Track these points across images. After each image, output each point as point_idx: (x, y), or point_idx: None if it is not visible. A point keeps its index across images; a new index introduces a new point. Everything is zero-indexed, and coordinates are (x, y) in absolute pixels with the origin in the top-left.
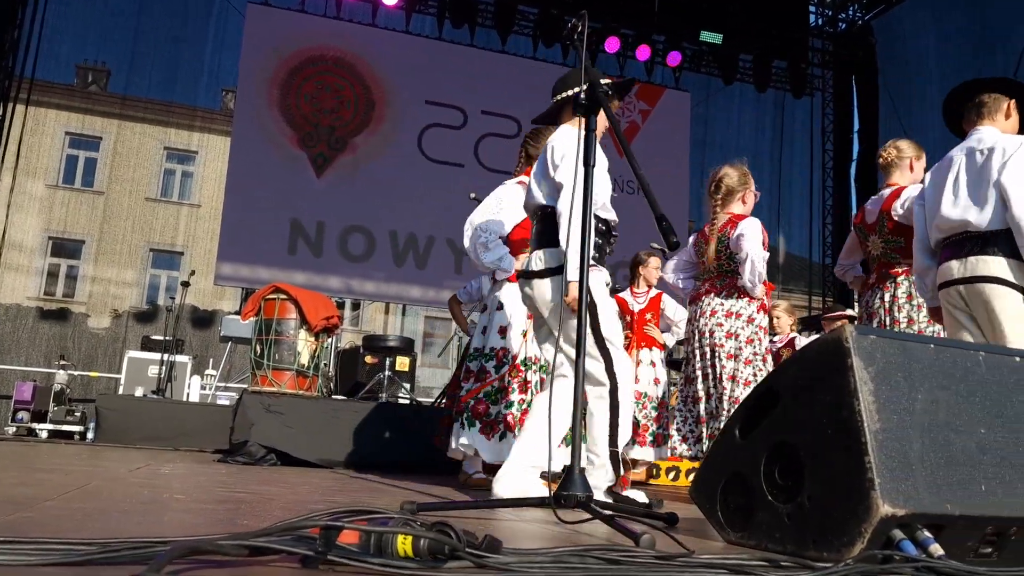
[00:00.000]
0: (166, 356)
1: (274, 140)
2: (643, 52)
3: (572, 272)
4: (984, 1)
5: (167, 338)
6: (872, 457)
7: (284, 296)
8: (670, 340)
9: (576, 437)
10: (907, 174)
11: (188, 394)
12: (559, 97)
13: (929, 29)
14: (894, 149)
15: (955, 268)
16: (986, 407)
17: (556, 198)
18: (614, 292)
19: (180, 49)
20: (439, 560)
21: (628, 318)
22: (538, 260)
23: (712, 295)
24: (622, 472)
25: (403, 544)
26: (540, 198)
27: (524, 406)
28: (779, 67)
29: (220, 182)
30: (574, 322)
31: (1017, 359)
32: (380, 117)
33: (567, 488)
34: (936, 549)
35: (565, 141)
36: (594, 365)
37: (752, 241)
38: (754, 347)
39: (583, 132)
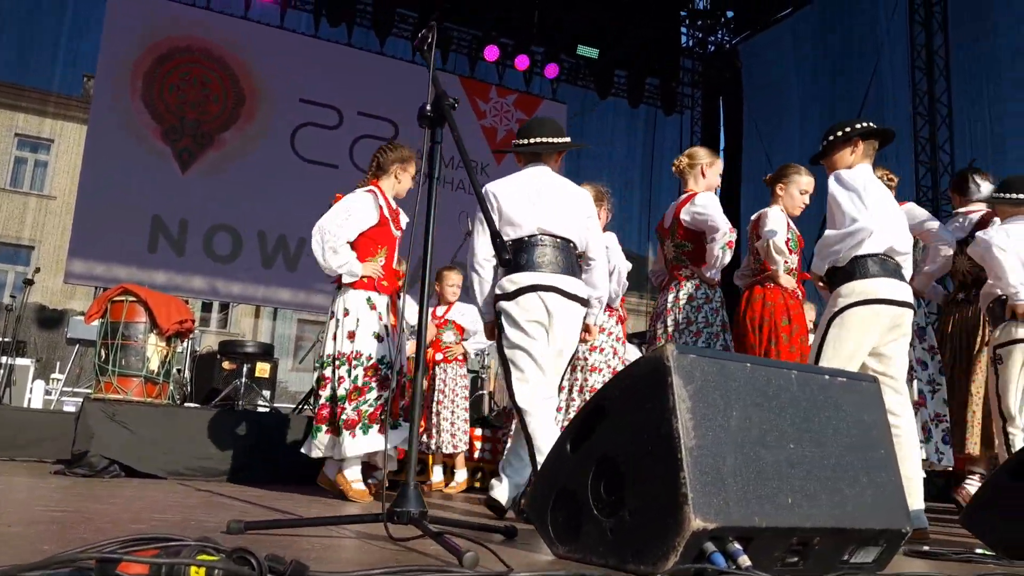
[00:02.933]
0: (4, 359)
1: (136, 132)
2: (522, 62)
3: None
4: (837, 31)
5: (6, 339)
6: (687, 473)
7: (133, 298)
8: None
9: (412, 452)
10: (700, 180)
11: (30, 400)
12: (541, 141)
13: (789, 55)
14: (686, 157)
15: None
16: (796, 423)
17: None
18: None
19: (33, 28)
20: None
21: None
22: (575, 286)
23: None
24: None
25: (196, 574)
26: (574, 233)
27: (380, 402)
28: (652, 84)
29: (77, 173)
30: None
31: (826, 377)
32: (250, 113)
33: (401, 504)
34: (744, 560)
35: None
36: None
37: (618, 252)
38: (605, 356)
39: (428, 144)
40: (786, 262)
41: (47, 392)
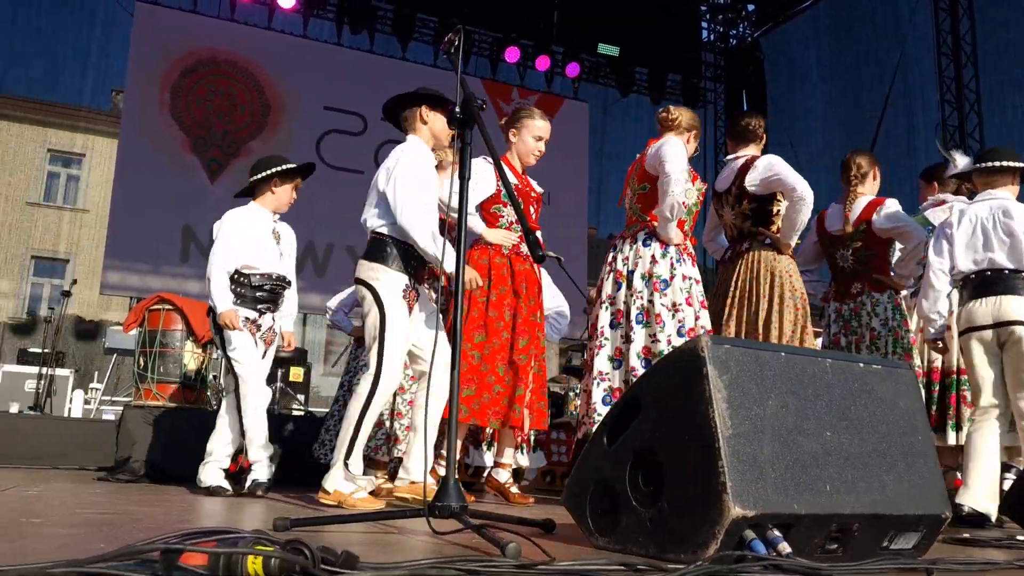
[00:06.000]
0: (44, 370)
1: (165, 144)
2: (543, 63)
3: None
4: (860, 20)
5: (46, 351)
6: (724, 461)
7: (169, 307)
8: None
9: (452, 446)
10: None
11: (70, 409)
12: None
13: (811, 47)
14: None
15: None
16: (832, 410)
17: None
18: None
19: (63, 47)
20: None
21: None
22: None
23: None
24: None
25: (253, 565)
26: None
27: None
28: (673, 80)
29: (108, 186)
30: None
31: (861, 365)
32: (276, 122)
33: (442, 499)
34: (784, 547)
35: None
36: None
37: None
38: None
39: (459, 145)
40: (500, 216)
41: (86, 401)
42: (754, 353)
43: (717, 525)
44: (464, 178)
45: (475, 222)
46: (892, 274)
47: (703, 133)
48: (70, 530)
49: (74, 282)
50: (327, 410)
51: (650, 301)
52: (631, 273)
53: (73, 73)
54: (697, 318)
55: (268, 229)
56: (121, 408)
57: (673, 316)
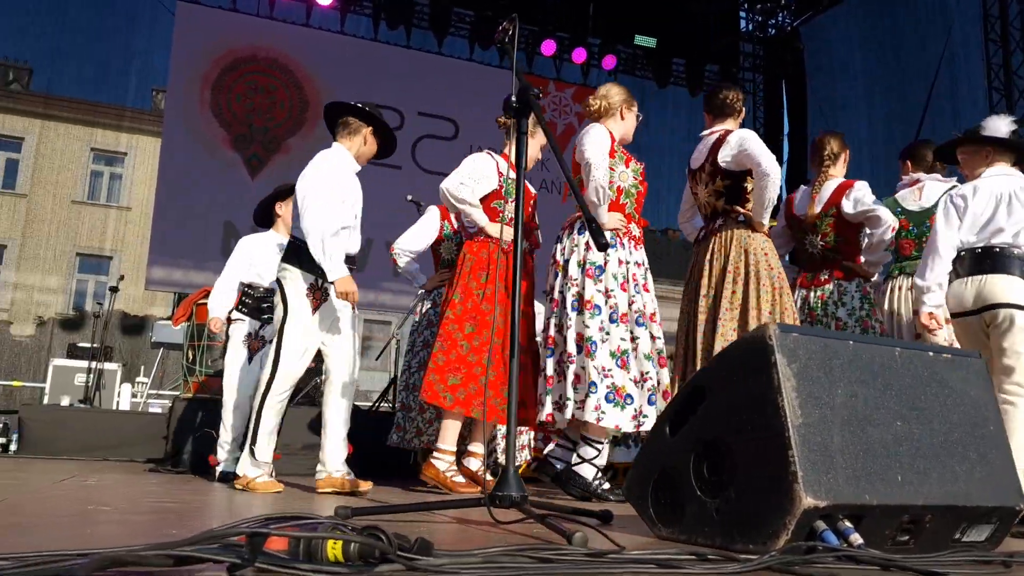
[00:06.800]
0: (94, 364)
1: (206, 141)
2: (579, 55)
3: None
4: (904, 7)
5: (94, 345)
6: (795, 451)
7: None
8: None
9: (511, 437)
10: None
11: (118, 402)
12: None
13: (853, 35)
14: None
15: None
16: (902, 400)
17: None
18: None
19: (107, 47)
20: (370, 564)
21: None
22: None
23: None
24: None
25: (333, 549)
26: None
27: None
28: (711, 71)
29: (151, 184)
30: None
31: (930, 354)
32: (315, 118)
33: (503, 488)
34: (856, 538)
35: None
36: None
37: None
38: None
39: (515, 134)
40: (499, 212)
41: (133, 395)
42: (822, 341)
43: (788, 515)
44: (521, 168)
45: (478, 215)
46: (862, 260)
47: (742, 125)
48: (140, 517)
49: (121, 278)
50: (368, 404)
51: (584, 288)
52: (567, 262)
53: (117, 73)
54: (631, 303)
55: (274, 250)
56: (169, 401)
57: (607, 301)
